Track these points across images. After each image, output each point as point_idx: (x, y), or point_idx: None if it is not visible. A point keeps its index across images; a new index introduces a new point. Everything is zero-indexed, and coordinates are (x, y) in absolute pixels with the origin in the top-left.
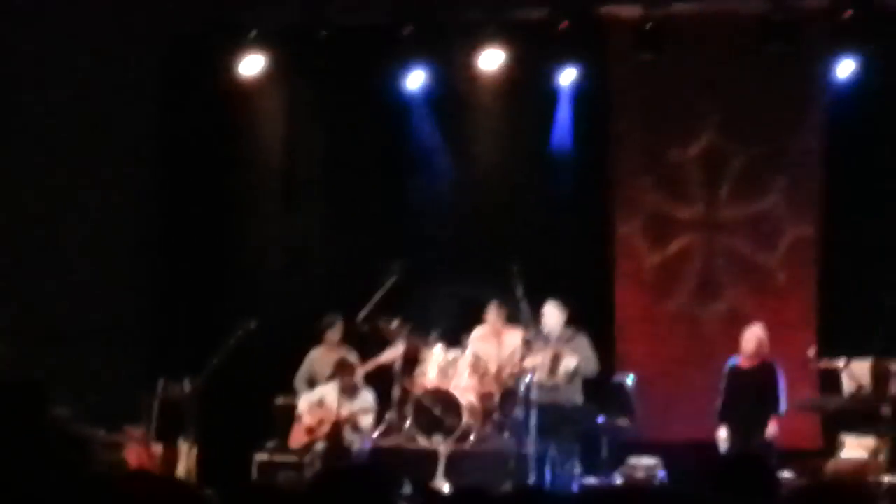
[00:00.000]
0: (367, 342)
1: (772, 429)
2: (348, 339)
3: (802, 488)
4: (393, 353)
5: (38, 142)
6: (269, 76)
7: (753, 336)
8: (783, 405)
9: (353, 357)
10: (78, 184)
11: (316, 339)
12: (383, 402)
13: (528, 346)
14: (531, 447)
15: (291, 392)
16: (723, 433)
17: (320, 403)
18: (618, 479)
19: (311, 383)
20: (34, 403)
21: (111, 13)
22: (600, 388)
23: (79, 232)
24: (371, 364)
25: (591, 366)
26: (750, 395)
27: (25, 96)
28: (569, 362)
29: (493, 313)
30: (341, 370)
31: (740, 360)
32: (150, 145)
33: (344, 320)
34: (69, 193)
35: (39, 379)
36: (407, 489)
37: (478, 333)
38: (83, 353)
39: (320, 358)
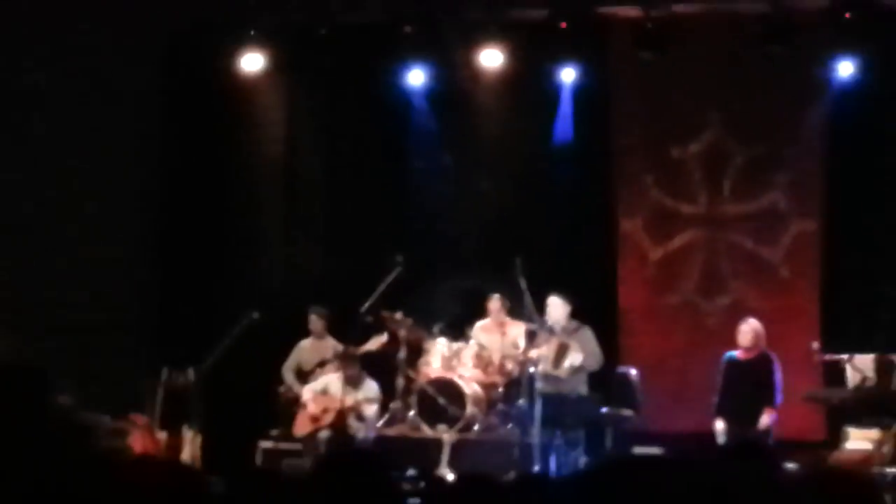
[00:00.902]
0: (370, 333)
1: (766, 419)
2: (346, 330)
3: (806, 476)
4: (377, 341)
5: (41, 136)
6: (269, 74)
7: (750, 329)
8: (779, 396)
9: (338, 347)
10: (81, 178)
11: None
12: (387, 392)
13: (532, 337)
14: (536, 437)
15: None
16: (720, 425)
17: (324, 392)
18: None
19: (299, 373)
20: (36, 389)
21: (110, 10)
22: (604, 379)
23: (83, 224)
24: (357, 351)
25: (596, 360)
26: (746, 386)
27: (27, 92)
28: (574, 358)
29: (495, 305)
30: (344, 360)
31: (738, 353)
32: (152, 140)
33: (328, 312)
34: (73, 187)
35: (41, 365)
36: (411, 473)
37: (481, 325)
38: (88, 342)
39: (307, 348)
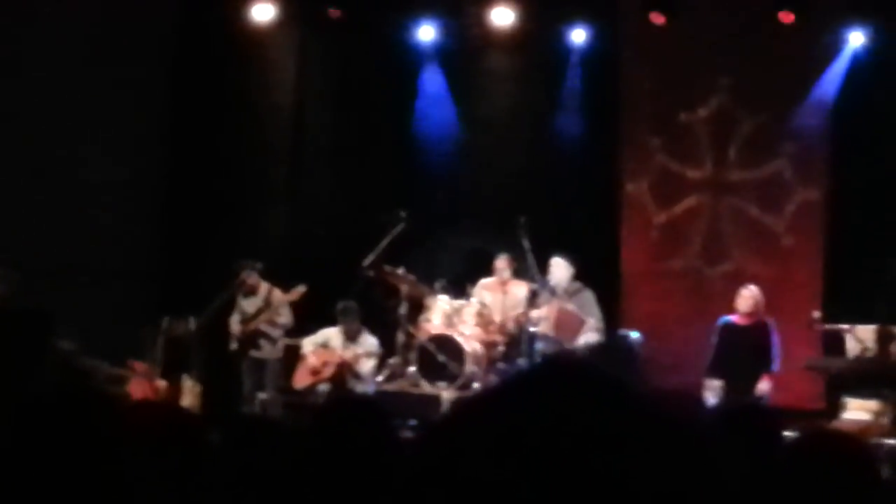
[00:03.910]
0: (372, 288)
1: (764, 385)
2: (348, 284)
3: (805, 437)
4: (297, 292)
5: (51, 80)
6: (280, 25)
7: (750, 294)
8: (776, 363)
9: (276, 293)
10: (88, 124)
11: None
12: (388, 348)
13: (534, 297)
14: None
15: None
16: (713, 383)
17: (325, 345)
18: None
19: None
20: (39, 333)
21: None
22: (604, 342)
23: (88, 170)
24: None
25: (599, 328)
26: (743, 351)
27: (38, 36)
28: (589, 336)
29: (501, 264)
30: (343, 313)
31: (735, 318)
32: (160, 89)
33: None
34: (80, 134)
35: (46, 310)
36: (413, 423)
37: (484, 283)
38: (90, 289)
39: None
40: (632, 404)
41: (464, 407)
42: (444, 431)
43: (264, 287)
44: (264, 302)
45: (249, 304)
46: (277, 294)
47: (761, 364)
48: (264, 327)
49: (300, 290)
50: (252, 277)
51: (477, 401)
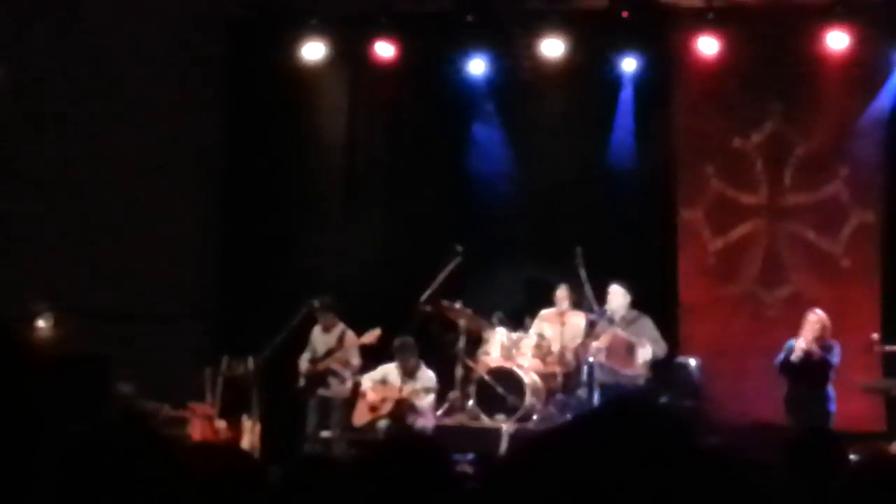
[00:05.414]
0: (430, 323)
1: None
2: (404, 319)
3: (866, 460)
4: (372, 335)
5: (104, 126)
6: (331, 62)
7: (817, 319)
8: (836, 357)
9: (350, 334)
10: (143, 167)
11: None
12: (446, 382)
13: (592, 327)
14: None
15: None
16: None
17: (383, 381)
18: None
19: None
20: (98, 377)
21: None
22: (664, 370)
23: (144, 211)
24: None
25: (661, 347)
26: (810, 375)
27: (87, 82)
28: (645, 352)
29: (562, 294)
30: (401, 350)
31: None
32: (213, 129)
33: (332, 300)
34: (135, 176)
35: (104, 354)
36: (469, 456)
37: (544, 315)
38: (148, 331)
39: (316, 337)
40: (694, 446)
41: (526, 445)
42: (506, 469)
43: (339, 327)
44: (337, 342)
45: (321, 344)
46: (350, 336)
47: (825, 377)
48: (335, 366)
49: (375, 332)
50: (329, 317)
51: (539, 441)
